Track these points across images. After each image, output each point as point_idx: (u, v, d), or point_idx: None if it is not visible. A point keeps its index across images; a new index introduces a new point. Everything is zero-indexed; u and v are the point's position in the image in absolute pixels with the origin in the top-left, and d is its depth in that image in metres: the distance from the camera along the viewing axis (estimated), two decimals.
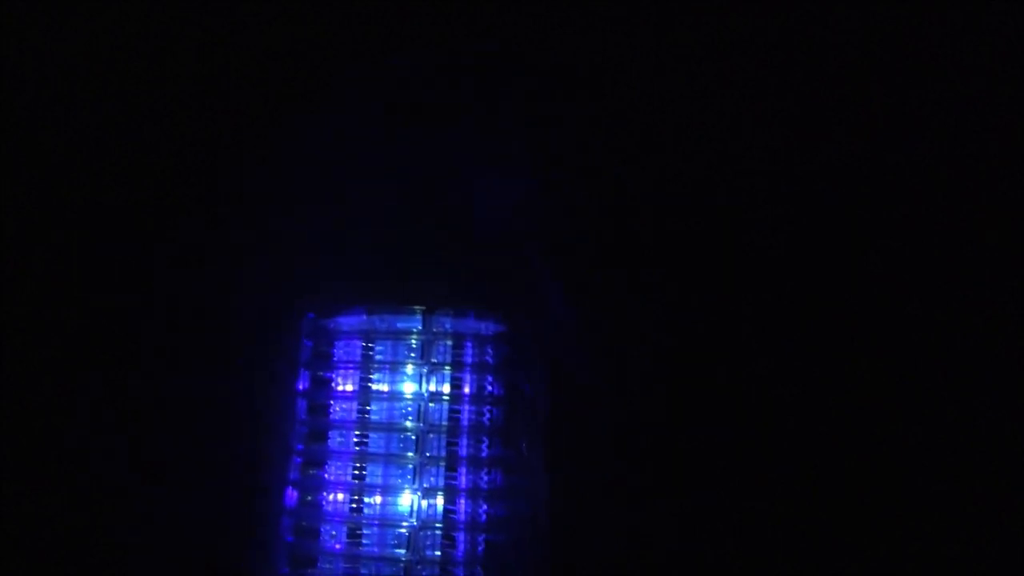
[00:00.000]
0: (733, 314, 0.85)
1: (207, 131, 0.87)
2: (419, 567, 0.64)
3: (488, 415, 0.70)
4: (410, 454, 0.69)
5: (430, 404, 0.69)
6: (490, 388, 0.71)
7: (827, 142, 0.88)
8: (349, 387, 0.72)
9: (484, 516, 0.68)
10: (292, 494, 0.70)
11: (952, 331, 0.84)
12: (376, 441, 0.70)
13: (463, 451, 0.69)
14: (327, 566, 0.67)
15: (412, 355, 0.71)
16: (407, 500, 0.67)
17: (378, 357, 0.71)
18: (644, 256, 0.86)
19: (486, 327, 0.72)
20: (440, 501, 0.67)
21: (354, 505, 0.68)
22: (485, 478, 0.69)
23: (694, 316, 0.85)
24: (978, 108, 0.87)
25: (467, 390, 0.71)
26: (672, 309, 0.85)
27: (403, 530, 0.66)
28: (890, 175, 0.88)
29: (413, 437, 0.69)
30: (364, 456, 0.69)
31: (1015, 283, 0.84)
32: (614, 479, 0.79)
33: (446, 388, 0.70)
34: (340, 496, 0.69)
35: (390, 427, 0.70)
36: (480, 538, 0.67)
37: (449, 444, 0.69)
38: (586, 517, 0.76)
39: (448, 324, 0.71)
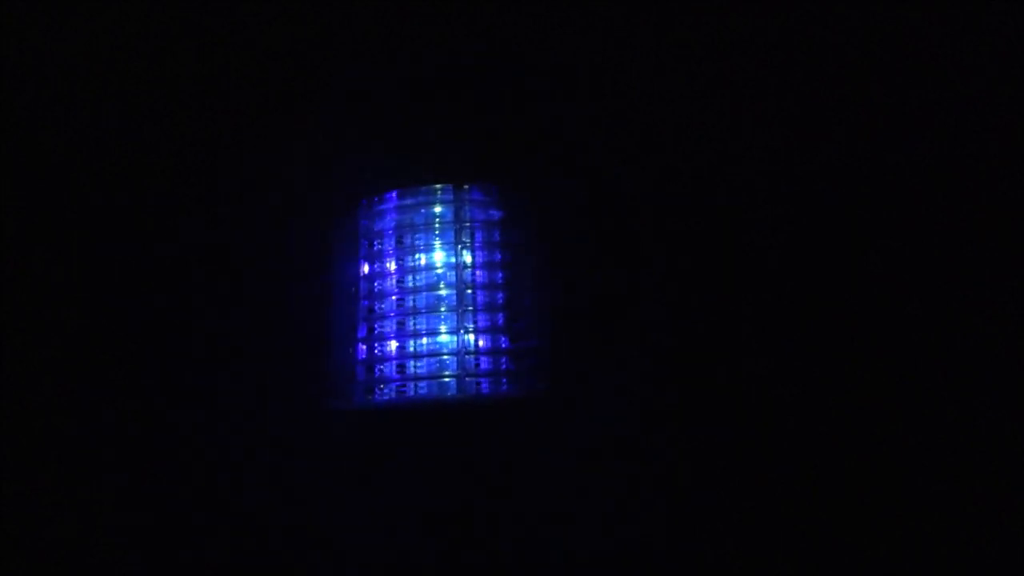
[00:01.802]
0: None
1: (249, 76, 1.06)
2: (466, 379, 0.91)
3: (501, 274, 0.97)
4: (443, 307, 0.94)
5: (465, 269, 0.94)
6: (499, 254, 0.97)
7: (827, 142, 0.93)
8: (392, 264, 0.97)
9: (504, 343, 0.95)
10: (362, 328, 0.95)
11: (952, 331, 0.87)
12: (420, 297, 0.95)
13: (482, 300, 0.96)
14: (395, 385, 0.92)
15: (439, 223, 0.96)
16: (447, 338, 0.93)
17: (417, 235, 0.96)
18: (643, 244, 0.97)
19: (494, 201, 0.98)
20: (471, 337, 0.94)
21: (412, 342, 0.93)
22: (501, 318, 0.95)
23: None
24: (978, 108, 0.90)
25: (480, 257, 0.97)
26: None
27: (446, 357, 0.92)
28: (891, 175, 0.91)
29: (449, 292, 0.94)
30: (415, 309, 0.94)
31: (1015, 283, 0.86)
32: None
33: (467, 254, 0.95)
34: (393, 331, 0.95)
35: (428, 288, 0.95)
36: (503, 359, 0.94)
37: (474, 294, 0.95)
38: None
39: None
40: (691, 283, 0.98)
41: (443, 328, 0.93)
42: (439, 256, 0.96)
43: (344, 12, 1.06)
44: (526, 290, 0.96)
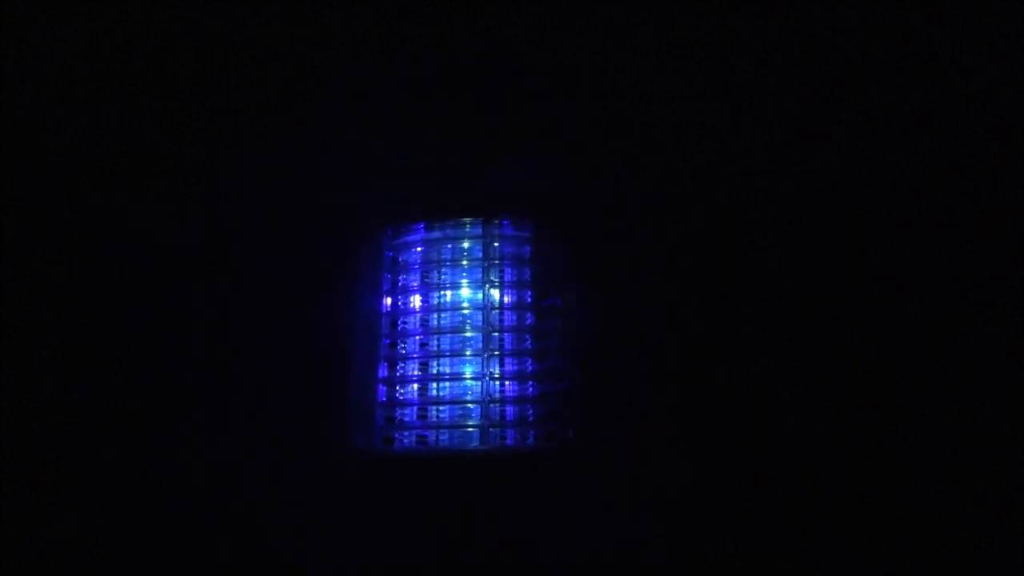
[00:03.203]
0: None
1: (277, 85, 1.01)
2: (490, 430, 0.85)
3: (530, 317, 0.91)
4: (468, 351, 0.89)
5: (492, 310, 0.89)
6: (530, 294, 0.92)
7: (827, 141, 0.93)
8: (417, 300, 0.92)
9: (531, 390, 0.89)
10: (383, 368, 0.90)
11: (952, 331, 0.87)
12: (444, 339, 0.90)
13: (509, 345, 0.90)
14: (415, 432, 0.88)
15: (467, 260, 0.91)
16: (473, 383, 0.88)
17: (443, 271, 0.91)
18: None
19: (524, 237, 0.92)
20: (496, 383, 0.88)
21: (433, 387, 0.88)
22: (530, 364, 0.90)
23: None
24: (978, 108, 0.90)
25: (508, 299, 0.91)
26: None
27: (470, 404, 0.87)
28: (895, 174, 0.91)
29: (475, 335, 0.89)
30: (439, 351, 0.89)
31: (1015, 283, 0.86)
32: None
33: (495, 293, 0.90)
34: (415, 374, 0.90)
35: (453, 329, 0.90)
36: (529, 409, 0.89)
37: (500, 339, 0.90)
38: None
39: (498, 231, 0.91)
40: (735, 334, 0.92)
41: (468, 372, 0.88)
42: (466, 294, 0.91)
43: (381, 28, 1.00)
44: (557, 334, 0.91)
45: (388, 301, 0.93)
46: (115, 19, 1.03)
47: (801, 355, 0.90)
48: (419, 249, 0.93)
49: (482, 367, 0.87)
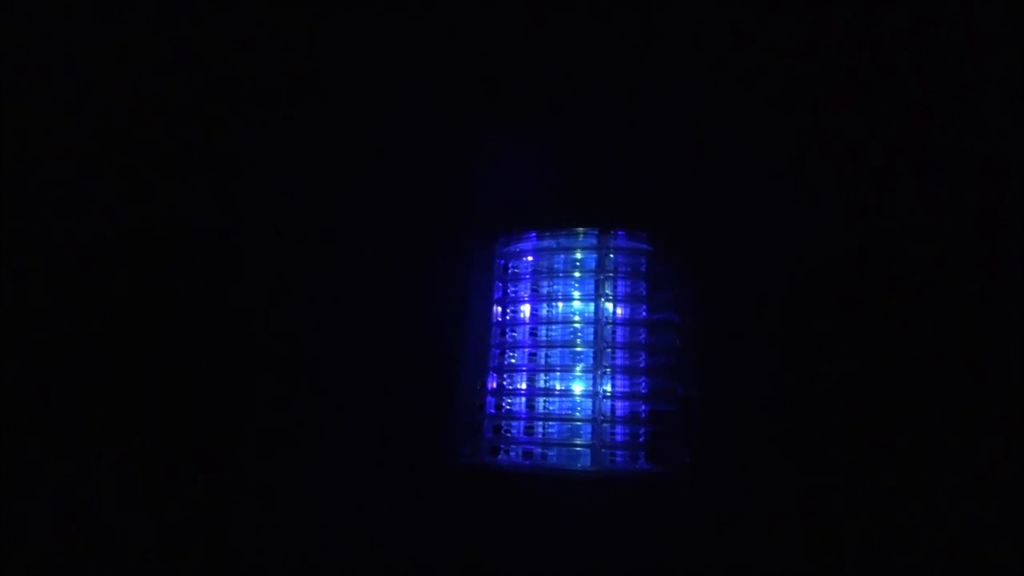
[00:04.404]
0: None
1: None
2: (600, 450, 0.82)
3: (643, 334, 0.87)
4: (579, 367, 0.86)
5: (605, 325, 0.86)
6: (644, 311, 0.88)
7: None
8: (527, 311, 0.89)
9: (644, 413, 0.86)
10: (492, 378, 0.89)
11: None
12: (554, 353, 0.87)
13: (621, 362, 0.86)
14: (523, 449, 0.85)
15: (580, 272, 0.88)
16: (584, 398, 0.85)
17: (553, 283, 0.89)
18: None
19: (640, 248, 0.88)
20: (607, 402, 0.85)
21: (543, 400, 0.86)
22: (643, 383, 0.86)
23: None
24: (978, 108, 0.89)
25: (620, 312, 0.87)
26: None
27: (580, 423, 0.84)
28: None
29: (586, 350, 0.86)
30: (548, 365, 0.86)
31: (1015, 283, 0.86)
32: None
33: (609, 307, 0.86)
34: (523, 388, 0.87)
35: (564, 343, 0.87)
36: (641, 430, 0.85)
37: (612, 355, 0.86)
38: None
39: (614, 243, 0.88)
40: (861, 355, 0.87)
41: (578, 389, 0.85)
42: (577, 307, 0.88)
43: (502, 30, 0.98)
44: (672, 351, 0.87)
45: (498, 310, 0.91)
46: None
47: (934, 376, 0.85)
48: (530, 258, 0.91)
49: (593, 384, 0.84)
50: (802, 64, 0.93)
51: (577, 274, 0.88)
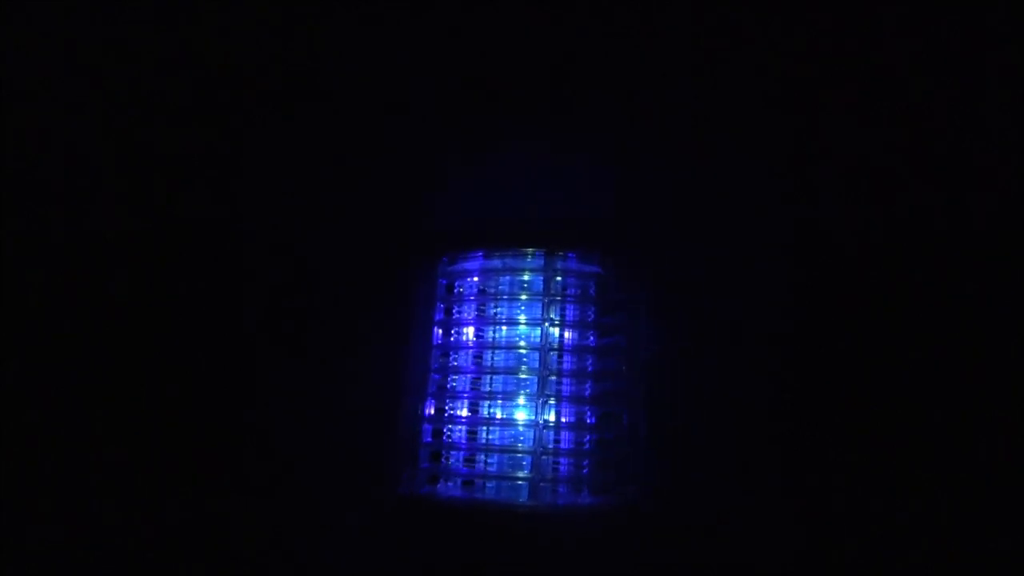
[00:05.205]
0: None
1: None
2: (541, 484, 0.78)
3: (590, 361, 0.83)
4: (522, 396, 0.82)
5: (550, 352, 0.81)
6: (592, 337, 0.83)
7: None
8: (470, 333, 0.85)
9: (588, 444, 0.81)
10: (430, 404, 0.84)
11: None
12: (497, 380, 0.83)
13: (567, 390, 0.82)
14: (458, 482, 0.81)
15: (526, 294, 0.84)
16: (527, 428, 0.80)
17: (498, 305, 0.84)
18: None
19: (591, 269, 0.84)
20: (551, 432, 0.81)
21: (484, 430, 0.82)
22: (588, 412, 0.82)
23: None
24: (978, 108, 0.88)
25: (569, 336, 0.83)
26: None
27: (521, 455, 0.80)
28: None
29: (531, 377, 0.81)
30: (491, 393, 0.82)
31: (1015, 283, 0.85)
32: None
33: (555, 332, 0.82)
34: (464, 416, 0.83)
35: (507, 371, 0.83)
36: (585, 462, 0.81)
37: (557, 382, 0.82)
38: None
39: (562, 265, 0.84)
40: (813, 387, 0.85)
41: (521, 418, 0.81)
42: (523, 331, 0.84)
43: (440, 41, 0.94)
44: (621, 381, 0.83)
45: (439, 332, 0.87)
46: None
47: (934, 376, 0.83)
48: (475, 279, 0.87)
49: (536, 413, 0.80)
50: (799, 65, 0.91)
51: (524, 296, 0.84)
